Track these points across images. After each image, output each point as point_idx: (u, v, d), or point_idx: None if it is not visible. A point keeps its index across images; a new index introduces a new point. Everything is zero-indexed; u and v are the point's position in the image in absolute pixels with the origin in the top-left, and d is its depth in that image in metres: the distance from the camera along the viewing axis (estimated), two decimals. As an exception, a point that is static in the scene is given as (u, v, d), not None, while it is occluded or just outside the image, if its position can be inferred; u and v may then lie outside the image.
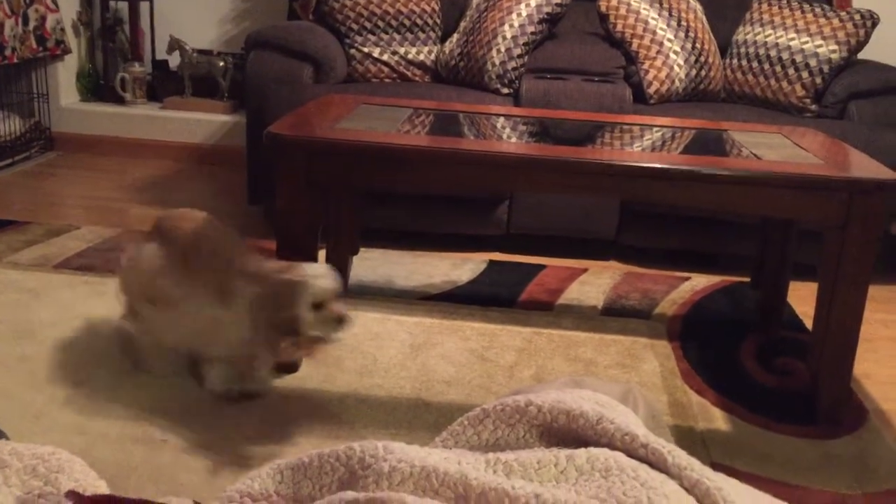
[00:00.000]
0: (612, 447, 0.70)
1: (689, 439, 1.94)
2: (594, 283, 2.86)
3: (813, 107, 3.14)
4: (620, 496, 0.62)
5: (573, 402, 0.76)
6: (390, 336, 2.35)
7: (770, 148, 2.22)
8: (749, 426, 2.02)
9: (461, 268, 2.91)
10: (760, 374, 2.29)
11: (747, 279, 2.88)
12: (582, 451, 0.69)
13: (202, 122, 4.11)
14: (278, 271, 1.82)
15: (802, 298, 2.76)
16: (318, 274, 1.78)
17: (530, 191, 2.92)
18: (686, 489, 0.64)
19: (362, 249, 2.95)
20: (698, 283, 2.91)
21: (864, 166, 2.05)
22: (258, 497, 0.71)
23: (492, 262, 2.98)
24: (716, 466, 1.82)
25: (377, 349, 2.27)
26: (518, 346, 2.34)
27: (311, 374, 2.10)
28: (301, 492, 0.72)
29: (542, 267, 2.97)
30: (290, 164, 2.01)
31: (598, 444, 0.71)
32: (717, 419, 2.04)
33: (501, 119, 2.46)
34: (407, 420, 1.94)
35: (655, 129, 2.46)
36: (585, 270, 2.96)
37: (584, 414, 0.74)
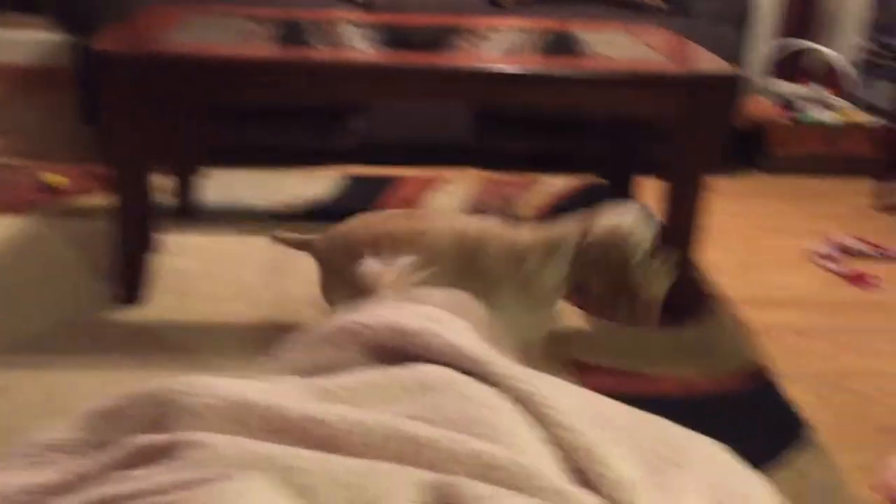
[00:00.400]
0: (442, 362, 0.67)
1: (552, 339, 1.97)
2: (454, 191, 2.84)
3: (660, 4, 3.17)
4: (447, 413, 0.60)
5: (405, 318, 0.73)
6: (245, 259, 2.26)
7: (617, 47, 2.22)
8: (607, 322, 2.07)
9: (316, 183, 2.82)
10: (615, 271, 2.35)
11: (604, 179, 2.92)
12: (409, 370, 0.66)
13: (22, 41, 3.76)
14: (586, 223, 1.50)
15: (654, 193, 2.83)
16: (635, 220, 1.45)
17: (384, 100, 2.84)
18: (514, 399, 0.62)
19: (209, 169, 2.81)
20: (557, 185, 2.93)
21: (705, 62, 2.08)
22: (59, 448, 0.65)
23: (348, 176, 2.91)
24: (578, 364, 1.87)
25: (231, 273, 2.18)
26: (378, 260, 2.31)
27: (155, 305, 2.00)
28: (111, 438, 0.66)
29: (400, 178, 2.92)
30: (117, 81, 1.85)
31: (429, 361, 0.68)
32: (575, 317, 2.08)
33: (351, 26, 2.35)
34: (264, 346, 1.88)
35: (508, 32, 2.42)
36: (445, 179, 2.94)
37: (413, 331, 0.70)
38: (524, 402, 0.61)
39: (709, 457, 0.64)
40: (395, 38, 2.29)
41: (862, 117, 3.20)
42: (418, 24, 2.49)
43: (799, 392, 1.82)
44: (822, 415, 1.75)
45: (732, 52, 3.01)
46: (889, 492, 1.49)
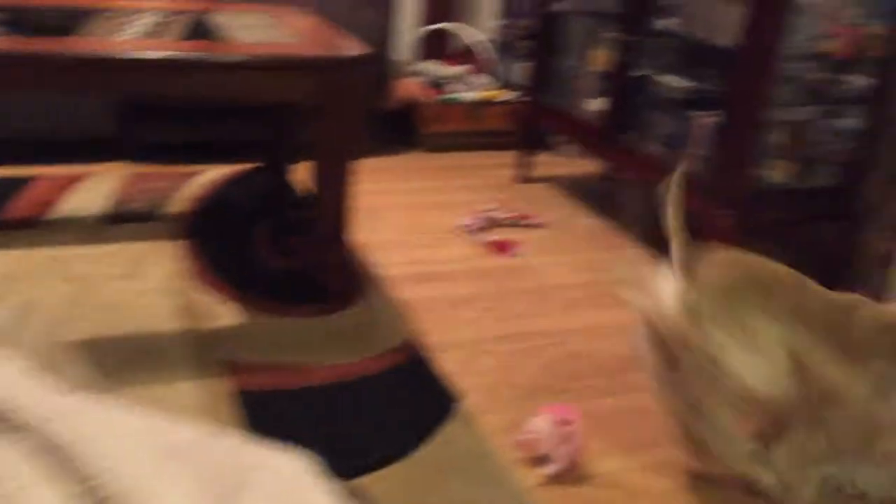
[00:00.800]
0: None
1: (201, 341, 1.86)
2: (96, 189, 2.60)
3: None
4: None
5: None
6: None
7: (256, 30, 2.15)
8: (261, 315, 2.00)
9: (-77, 190, 2.44)
10: (274, 259, 2.29)
11: (262, 164, 2.85)
12: None
13: None
14: None
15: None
16: None
17: (6, 91, 2.52)
18: (46, 450, 0.53)
19: None
20: (212, 174, 2.80)
21: (339, 44, 2.08)
22: None
23: (-35, 180, 2.55)
24: (231, 364, 1.78)
25: None
26: (1, 274, 2.03)
27: None
28: None
29: (31, 179, 2.61)
30: None
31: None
32: (230, 314, 1.99)
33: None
34: None
35: (143, 14, 2.24)
36: (86, 176, 2.68)
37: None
38: (57, 452, 0.53)
39: (276, 474, 0.60)
40: (17, 21, 2.02)
41: (502, 94, 3.44)
42: (41, 5, 2.22)
43: (449, 362, 1.89)
44: (471, 381, 1.83)
45: (381, 35, 3.08)
46: (530, 449, 1.59)
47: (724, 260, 1.38)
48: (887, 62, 2.16)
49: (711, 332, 1.28)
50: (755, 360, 1.27)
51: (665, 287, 1.37)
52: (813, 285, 1.31)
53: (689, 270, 1.35)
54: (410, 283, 2.26)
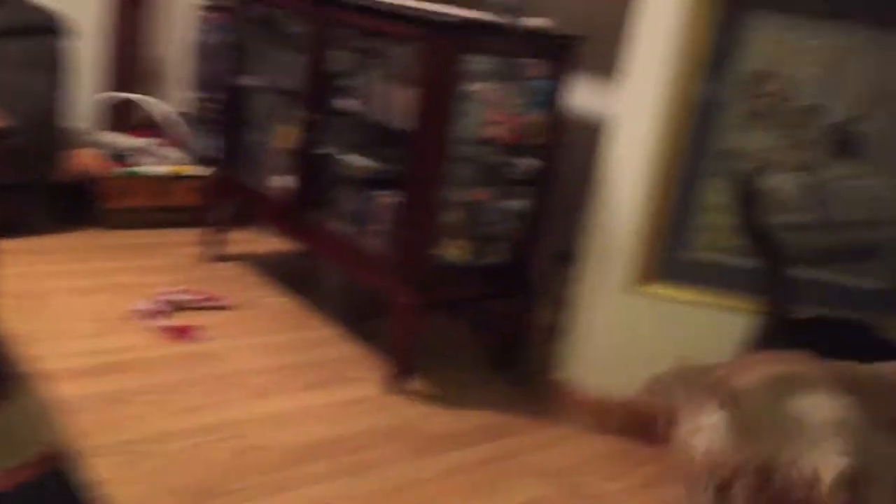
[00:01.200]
0: None
1: None
2: None
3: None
4: None
5: None
6: None
7: None
8: None
9: None
10: None
11: None
12: None
13: None
14: None
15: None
16: None
17: None
18: None
19: None
20: None
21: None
22: None
23: None
24: None
25: None
26: None
27: None
28: None
29: None
30: None
31: None
32: None
33: None
34: None
35: None
36: None
37: None
38: None
39: None
40: None
41: (191, 168, 3.27)
42: None
43: (104, 467, 1.69)
44: (126, 489, 1.64)
45: (46, 102, 2.81)
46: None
47: (752, 364, 1.43)
48: (549, 147, 2.32)
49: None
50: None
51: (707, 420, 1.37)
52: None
53: (727, 393, 1.36)
54: (69, 378, 2.01)
